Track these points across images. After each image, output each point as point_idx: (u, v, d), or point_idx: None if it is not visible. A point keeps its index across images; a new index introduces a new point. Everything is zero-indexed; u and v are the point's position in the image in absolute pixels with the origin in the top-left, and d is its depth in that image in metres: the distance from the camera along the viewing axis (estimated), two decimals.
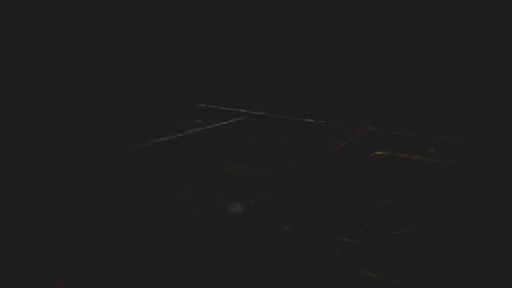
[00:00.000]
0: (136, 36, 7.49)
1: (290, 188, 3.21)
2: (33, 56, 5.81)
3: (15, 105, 5.33)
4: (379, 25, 6.72)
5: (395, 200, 2.91)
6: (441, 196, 3.00)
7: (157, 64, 7.84)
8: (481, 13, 5.68)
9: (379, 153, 3.96)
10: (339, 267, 2.15)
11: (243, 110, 5.88)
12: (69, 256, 2.16)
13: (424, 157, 3.83)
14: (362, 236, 2.46)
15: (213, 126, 4.95)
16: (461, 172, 3.47)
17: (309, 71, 7.38)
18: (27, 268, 2.05)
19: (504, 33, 5.50)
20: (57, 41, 6.14)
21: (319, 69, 7.34)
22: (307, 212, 2.80)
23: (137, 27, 7.45)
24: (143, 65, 7.63)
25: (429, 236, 2.46)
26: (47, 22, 5.81)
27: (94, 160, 3.67)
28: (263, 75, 7.68)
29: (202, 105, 6.37)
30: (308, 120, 5.24)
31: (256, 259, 2.21)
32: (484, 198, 2.95)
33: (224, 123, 5.16)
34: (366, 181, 3.29)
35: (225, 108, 6.09)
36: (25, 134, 4.44)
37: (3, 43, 5.34)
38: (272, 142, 4.33)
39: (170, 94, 7.15)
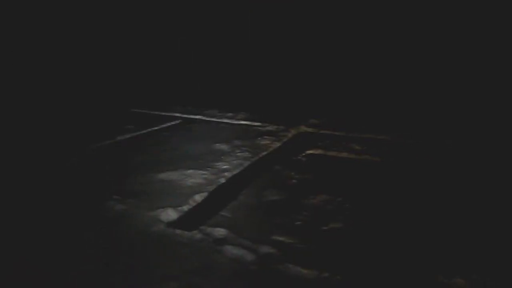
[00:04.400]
0: (62, 39, 7.06)
1: (226, 192, 3.21)
2: None
3: None
4: (306, 23, 6.96)
5: (326, 197, 3.02)
6: (370, 191, 3.17)
7: (88, 68, 7.46)
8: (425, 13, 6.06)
9: (311, 152, 4.10)
10: (274, 266, 2.19)
11: (177, 114, 5.78)
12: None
13: (351, 154, 4.03)
14: (295, 234, 2.52)
15: (145, 131, 4.81)
16: (387, 168, 3.69)
17: (241, 72, 7.44)
18: None
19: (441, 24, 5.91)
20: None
21: (252, 70, 7.43)
22: (242, 215, 2.82)
23: (61, 31, 7.03)
24: (73, 69, 7.23)
25: (359, 231, 2.59)
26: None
27: (19, 172, 3.40)
28: (196, 77, 7.61)
29: (134, 110, 6.17)
30: (242, 122, 5.29)
31: (190, 265, 2.18)
32: (409, 192, 3.17)
33: (157, 128, 5.04)
34: (298, 180, 3.38)
35: (157, 113, 5.95)
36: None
37: None
38: (207, 146, 4.31)
39: (100, 99, 6.83)
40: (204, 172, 3.54)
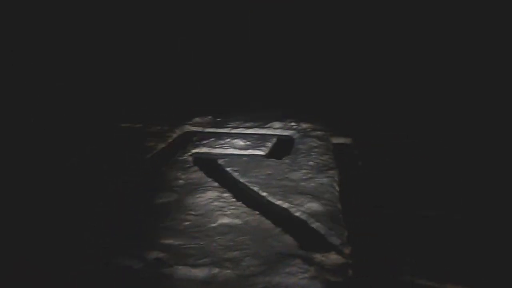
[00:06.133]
0: None
1: (110, 200, 3.06)
2: None
3: None
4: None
5: (213, 194, 3.08)
6: (255, 184, 3.31)
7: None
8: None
9: (197, 150, 4.12)
10: (163, 270, 2.17)
11: None
12: None
13: (236, 149, 4.16)
14: (184, 234, 2.53)
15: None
16: (273, 161, 3.88)
17: (121, 73, 7.11)
18: None
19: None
20: None
21: (133, 70, 7.16)
22: (128, 221, 2.72)
23: None
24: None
25: (246, 224, 2.71)
26: None
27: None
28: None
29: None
30: (123, 125, 5.05)
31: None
32: (306, 181, 3.37)
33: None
34: (185, 180, 3.38)
35: None
36: None
37: None
38: (87, 152, 4.03)
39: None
40: (85, 180, 3.31)
